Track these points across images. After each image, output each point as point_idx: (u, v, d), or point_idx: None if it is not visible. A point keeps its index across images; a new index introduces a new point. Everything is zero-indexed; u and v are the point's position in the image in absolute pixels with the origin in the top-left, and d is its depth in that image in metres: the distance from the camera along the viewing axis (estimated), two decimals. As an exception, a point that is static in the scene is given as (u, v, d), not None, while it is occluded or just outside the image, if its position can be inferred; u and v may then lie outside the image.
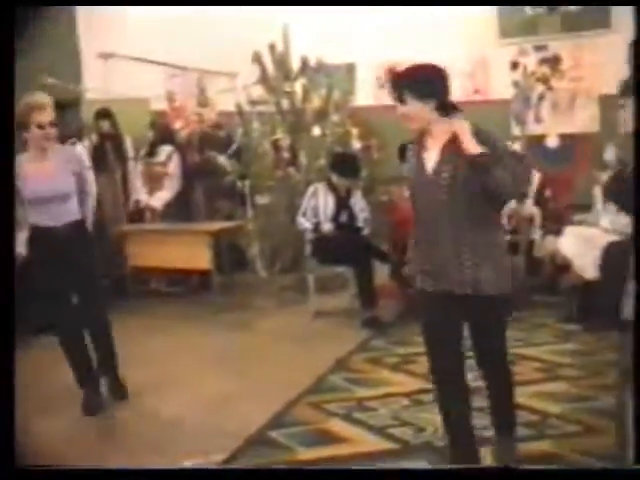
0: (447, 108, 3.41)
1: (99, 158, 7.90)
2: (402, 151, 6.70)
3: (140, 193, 8.30)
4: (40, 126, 4.58)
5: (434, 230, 3.42)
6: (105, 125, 8.05)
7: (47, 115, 4.60)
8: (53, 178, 4.68)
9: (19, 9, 2.85)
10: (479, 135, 3.30)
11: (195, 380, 5.38)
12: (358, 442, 4.16)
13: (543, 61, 9.20)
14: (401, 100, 3.40)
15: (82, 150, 7.47)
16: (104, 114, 8.06)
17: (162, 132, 8.55)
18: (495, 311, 3.60)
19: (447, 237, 3.39)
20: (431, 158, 3.42)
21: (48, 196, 4.66)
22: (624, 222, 6.18)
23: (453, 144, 3.33)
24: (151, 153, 8.37)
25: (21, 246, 6.71)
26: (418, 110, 3.37)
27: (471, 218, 3.35)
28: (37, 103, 4.61)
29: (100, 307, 5.02)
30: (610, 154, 6.72)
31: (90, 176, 5.68)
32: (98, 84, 8.59)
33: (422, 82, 3.39)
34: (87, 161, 5.79)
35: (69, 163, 4.80)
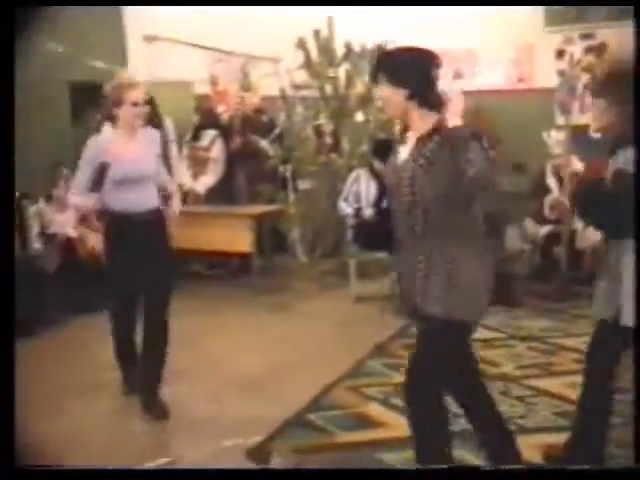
0: (429, 101, 3.06)
1: None
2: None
3: (184, 177, 8.36)
4: (134, 104, 4.48)
5: (400, 234, 3.17)
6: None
7: (140, 93, 4.53)
8: (138, 160, 4.58)
9: (19, 9, 2.87)
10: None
11: (234, 361, 5.45)
12: (395, 427, 4.19)
13: (589, 49, 9.09)
14: (375, 81, 3.16)
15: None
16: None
17: (206, 116, 8.61)
18: (437, 339, 3.09)
19: (407, 244, 3.13)
20: (402, 154, 3.14)
21: (135, 177, 4.53)
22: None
23: (427, 140, 3.02)
24: (195, 137, 8.43)
25: (64, 227, 6.89)
26: (388, 95, 3.10)
27: (434, 224, 3.01)
28: (131, 81, 4.59)
29: (164, 307, 4.67)
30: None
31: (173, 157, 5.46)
32: (143, 67, 8.68)
33: (396, 67, 3.09)
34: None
35: (154, 144, 4.73)
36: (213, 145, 8.34)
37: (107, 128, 4.62)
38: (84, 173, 4.53)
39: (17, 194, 6.55)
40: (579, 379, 4.73)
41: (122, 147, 4.53)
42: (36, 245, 6.88)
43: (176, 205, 4.98)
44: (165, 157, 7.91)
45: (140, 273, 4.59)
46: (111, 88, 4.52)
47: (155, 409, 4.56)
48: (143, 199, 4.59)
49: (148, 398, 4.61)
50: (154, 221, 4.64)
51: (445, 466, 3.34)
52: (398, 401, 4.49)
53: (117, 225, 4.61)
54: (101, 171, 4.43)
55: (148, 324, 4.65)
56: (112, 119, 4.56)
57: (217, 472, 3.48)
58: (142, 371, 4.73)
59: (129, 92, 4.47)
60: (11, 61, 2.83)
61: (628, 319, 3.33)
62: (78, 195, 4.60)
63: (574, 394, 4.47)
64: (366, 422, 4.30)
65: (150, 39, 9.01)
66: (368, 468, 3.65)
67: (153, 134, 4.78)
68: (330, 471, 3.48)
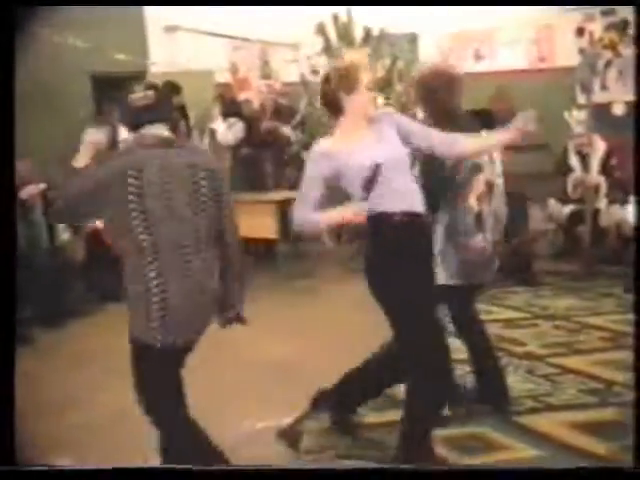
0: None
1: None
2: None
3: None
4: (369, 88, 3.71)
5: None
6: (175, 99, 8.18)
7: (370, 75, 3.77)
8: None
9: (19, 9, 2.90)
10: None
11: (262, 345, 5.52)
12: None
13: (610, 26, 9.04)
14: None
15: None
16: (172, 87, 8.19)
17: (227, 104, 8.66)
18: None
19: None
20: None
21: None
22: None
23: None
24: (215, 125, 8.50)
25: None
26: None
27: None
28: (364, 61, 3.87)
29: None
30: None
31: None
32: (164, 57, 8.74)
33: None
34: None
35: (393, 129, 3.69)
36: (229, 131, 8.39)
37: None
38: (311, 191, 3.61)
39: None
40: (605, 356, 4.81)
41: (351, 140, 3.60)
42: (64, 236, 6.97)
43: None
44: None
45: None
46: (343, 68, 3.70)
47: None
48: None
49: None
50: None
51: (445, 467, 3.48)
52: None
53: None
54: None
55: None
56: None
57: (218, 472, 3.56)
58: None
59: (363, 73, 3.66)
60: (11, 61, 2.87)
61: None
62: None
63: (600, 372, 4.54)
64: (394, 402, 4.33)
65: (170, 29, 9.08)
66: (368, 468, 3.69)
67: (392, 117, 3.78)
68: (331, 471, 3.56)
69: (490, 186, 3.97)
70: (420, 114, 8.16)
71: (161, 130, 3.33)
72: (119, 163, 3.13)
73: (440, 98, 4.06)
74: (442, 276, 3.83)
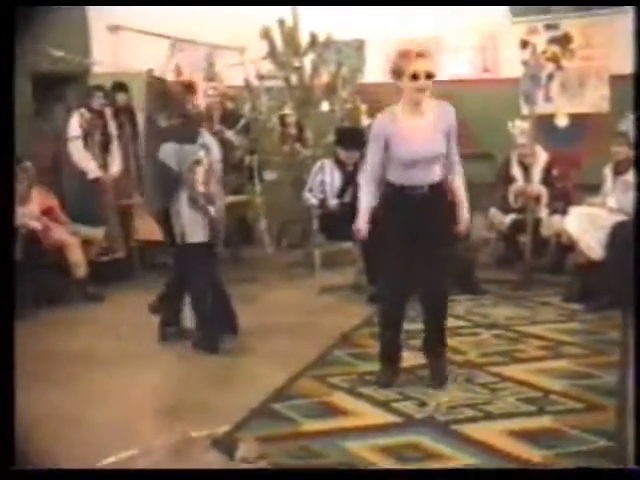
0: None
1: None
2: (338, 136, 6.82)
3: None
4: (414, 76, 4.12)
5: None
6: (121, 98, 8.05)
7: (424, 64, 4.12)
8: (426, 139, 4.27)
9: (19, 9, 2.83)
10: None
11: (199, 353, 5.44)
12: (361, 415, 4.19)
13: (553, 40, 9.17)
14: None
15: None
16: (120, 87, 8.06)
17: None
18: None
19: None
20: None
21: (419, 159, 4.27)
22: (631, 202, 6.20)
23: None
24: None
25: (27, 220, 6.79)
26: None
27: None
28: (414, 50, 4.16)
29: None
30: (627, 125, 6.62)
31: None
32: (107, 57, 8.60)
33: None
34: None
35: (442, 121, 4.32)
36: None
37: (393, 107, 4.35)
38: (373, 158, 4.39)
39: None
40: (543, 365, 4.83)
41: (405, 126, 4.27)
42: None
43: (458, 181, 4.54)
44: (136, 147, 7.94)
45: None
46: (395, 56, 4.21)
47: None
48: (426, 175, 4.31)
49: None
50: (433, 195, 4.35)
51: (443, 467, 3.49)
52: (364, 390, 4.51)
53: (394, 197, 4.39)
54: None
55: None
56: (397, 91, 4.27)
57: (218, 472, 3.50)
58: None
59: (410, 62, 4.11)
60: (11, 61, 2.80)
61: None
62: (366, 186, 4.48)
63: (538, 380, 4.55)
64: (331, 411, 4.29)
65: (113, 29, 8.93)
66: (367, 468, 3.65)
67: (444, 109, 4.36)
68: (331, 471, 3.52)
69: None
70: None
71: None
72: None
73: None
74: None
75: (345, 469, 3.60)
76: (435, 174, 4.35)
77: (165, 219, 5.53)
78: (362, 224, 4.49)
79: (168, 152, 5.35)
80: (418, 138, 4.26)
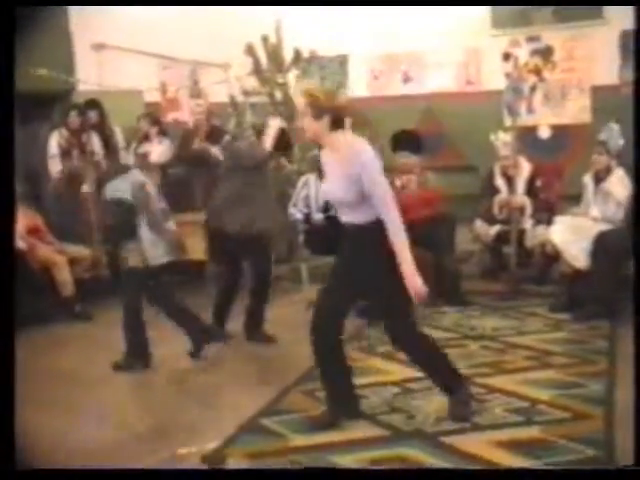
0: None
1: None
2: (394, 141, 6.79)
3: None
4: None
5: None
6: (93, 116, 8.04)
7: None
8: (332, 182, 4.09)
9: (19, 9, 2.85)
10: None
11: (191, 369, 5.45)
12: (350, 428, 4.20)
13: (535, 52, 9.25)
14: None
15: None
16: (92, 104, 8.05)
17: (155, 124, 8.57)
18: None
19: None
20: None
21: (331, 200, 4.47)
22: (613, 211, 6.26)
23: None
24: (141, 144, 8.40)
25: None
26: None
27: None
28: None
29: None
30: (607, 134, 6.64)
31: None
32: (91, 76, 8.61)
33: None
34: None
35: (348, 164, 3.94)
36: (154, 151, 8.32)
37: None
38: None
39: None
40: (531, 376, 4.84)
41: (325, 162, 4.19)
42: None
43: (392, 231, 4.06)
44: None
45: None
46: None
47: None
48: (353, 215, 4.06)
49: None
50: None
51: (443, 467, 3.53)
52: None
53: None
54: None
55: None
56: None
57: (217, 472, 3.50)
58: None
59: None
60: (11, 61, 2.81)
61: None
62: None
63: (525, 390, 4.57)
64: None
65: (98, 47, 8.95)
66: (366, 468, 3.66)
67: (352, 150, 3.96)
68: (331, 471, 3.52)
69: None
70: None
71: None
72: None
73: None
74: None
75: (343, 469, 3.61)
76: (360, 216, 4.00)
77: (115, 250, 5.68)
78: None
79: (118, 186, 5.51)
80: (327, 179, 4.15)
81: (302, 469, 3.68)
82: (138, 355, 5.47)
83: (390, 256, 3.89)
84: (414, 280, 3.86)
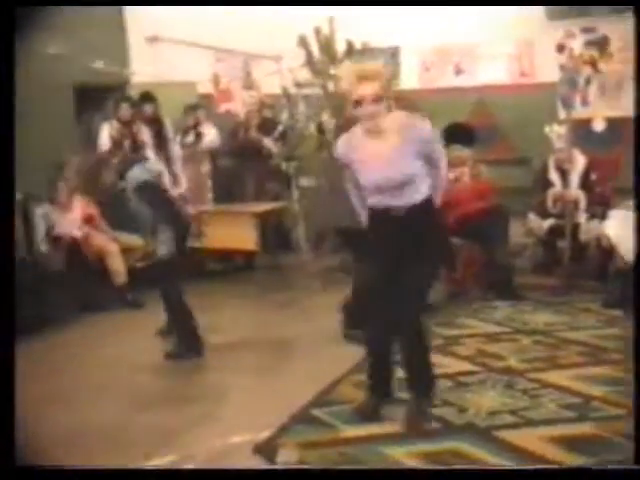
0: None
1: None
2: (447, 134, 6.75)
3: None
4: (357, 102, 3.86)
5: None
6: (148, 109, 8.11)
7: (369, 88, 3.83)
8: (388, 165, 3.95)
9: (19, 9, 2.87)
10: None
11: (241, 355, 5.54)
12: (401, 420, 4.21)
13: (590, 43, 9.11)
14: None
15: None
16: (147, 97, 8.12)
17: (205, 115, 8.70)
18: None
19: None
20: None
21: (382, 185, 3.99)
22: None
23: None
24: (189, 135, 8.52)
25: (69, 228, 6.90)
26: None
27: None
28: (357, 73, 3.90)
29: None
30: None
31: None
32: (145, 68, 8.71)
33: None
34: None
35: (409, 142, 3.94)
36: (202, 141, 8.49)
37: (355, 129, 4.07)
38: (347, 183, 4.34)
39: (22, 196, 6.57)
40: (584, 371, 4.80)
41: (367, 152, 4.00)
42: (43, 247, 6.91)
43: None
44: (167, 156, 7.97)
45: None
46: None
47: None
48: (403, 199, 4.01)
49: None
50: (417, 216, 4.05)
51: (443, 467, 3.50)
52: (402, 395, 4.52)
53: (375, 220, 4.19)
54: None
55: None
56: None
57: (217, 472, 3.53)
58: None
59: (353, 87, 3.85)
60: (11, 61, 2.84)
61: None
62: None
63: (579, 386, 4.53)
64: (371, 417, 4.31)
65: (152, 40, 9.04)
66: (366, 468, 3.67)
67: (412, 128, 3.96)
68: (331, 471, 3.53)
69: None
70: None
71: None
72: None
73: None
74: None
75: (343, 469, 3.62)
76: (413, 196, 4.00)
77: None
78: None
79: (137, 175, 5.53)
80: (378, 165, 3.96)
81: (302, 469, 3.67)
82: (190, 345, 5.53)
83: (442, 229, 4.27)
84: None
